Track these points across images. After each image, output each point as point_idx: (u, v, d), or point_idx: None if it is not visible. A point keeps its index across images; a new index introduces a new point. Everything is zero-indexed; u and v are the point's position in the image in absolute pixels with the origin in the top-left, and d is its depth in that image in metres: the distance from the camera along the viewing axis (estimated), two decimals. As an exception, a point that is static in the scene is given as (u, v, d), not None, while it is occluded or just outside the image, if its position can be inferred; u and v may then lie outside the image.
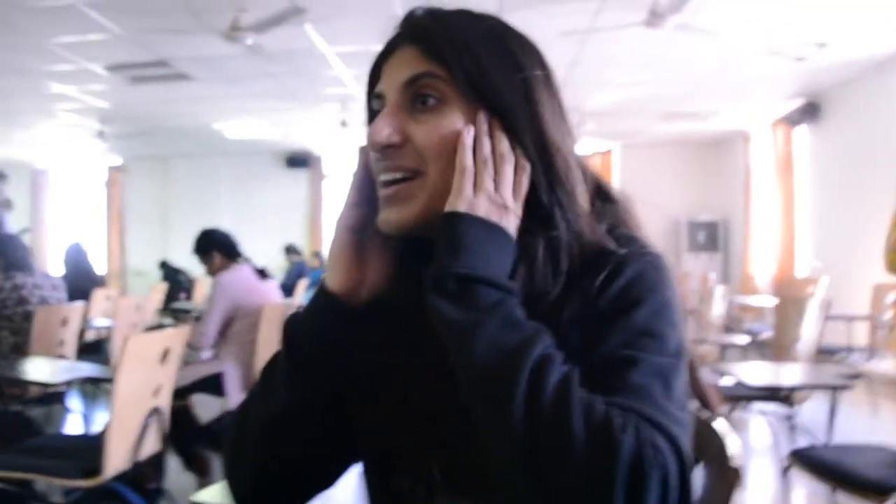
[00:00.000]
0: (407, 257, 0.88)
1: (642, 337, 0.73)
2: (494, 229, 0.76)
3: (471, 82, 0.80)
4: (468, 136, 0.79)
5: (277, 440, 0.88)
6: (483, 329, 0.70)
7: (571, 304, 0.77)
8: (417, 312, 0.82)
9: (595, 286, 0.77)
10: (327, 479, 0.95)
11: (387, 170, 0.82)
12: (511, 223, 0.78)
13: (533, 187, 0.81)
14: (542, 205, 0.80)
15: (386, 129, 0.80)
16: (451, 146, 0.79)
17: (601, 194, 0.88)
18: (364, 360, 0.89)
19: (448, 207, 0.78)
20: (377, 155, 0.82)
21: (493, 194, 0.78)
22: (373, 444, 0.90)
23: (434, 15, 0.84)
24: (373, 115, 0.86)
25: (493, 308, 0.71)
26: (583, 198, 0.83)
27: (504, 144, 0.80)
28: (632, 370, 0.70)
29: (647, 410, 0.67)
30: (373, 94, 0.87)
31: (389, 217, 0.82)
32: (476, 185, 0.78)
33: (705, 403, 0.92)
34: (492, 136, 0.80)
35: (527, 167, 0.80)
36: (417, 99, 0.81)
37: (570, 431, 0.64)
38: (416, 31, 0.83)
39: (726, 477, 0.84)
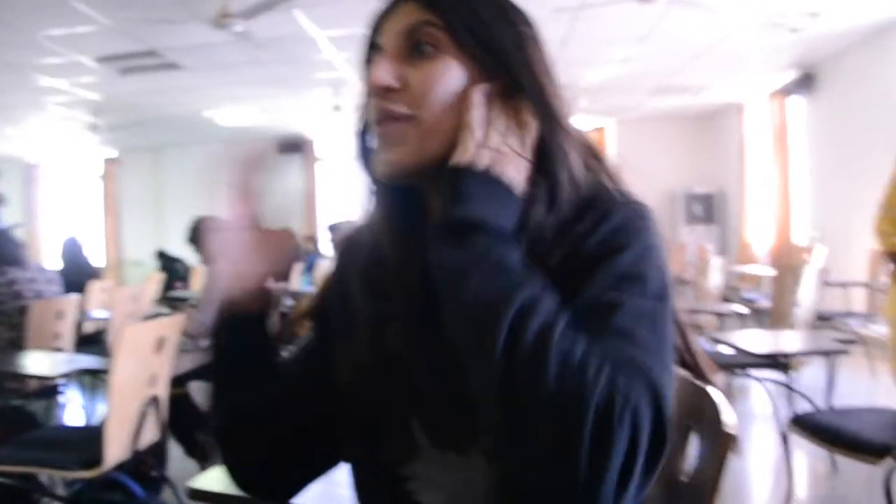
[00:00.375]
0: (394, 214, 0.91)
1: (625, 280, 0.74)
2: (495, 182, 0.78)
3: (468, 30, 0.83)
4: (478, 93, 0.82)
5: (234, 443, 0.94)
6: (473, 274, 0.72)
7: (561, 249, 0.79)
8: (404, 270, 0.87)
9: (581, 232, 0.78)
10: (317, 465, 0.98)
11: (382, 113, 0.84)
12: (519, 173, 0.80)
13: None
14: (543, 152, 0.82)
15: (385, 72, 0.83)
16: (446, 93, 0.82)
17: (591, 154, 0.90)
18: (336, 328, 0.93)
19: (452, 162, 0.79)
20: (375, 98, 0.84)
21: (499, 147, 0.80)
22: (350, 411, 0.92)
23: None
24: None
25: (485, 253, 0.73)
26: (577, 149, 0.85)
27: (512, 103, 0.82)
28: (615, 313, 0.72)
29: (627, 353, 0.68)
30: (372, 48, 0.89)
31: (385, 158, 0.84)
32: (480, 140, 0.80)
33: (699, 371, 0.92)
34: (501, 95, 0.83)
35: (533, 123, 0.82)
36: (415, 47, 0.84)
37: (544, 378, 0.65)
38: None
39: (720, 443, 0.83)
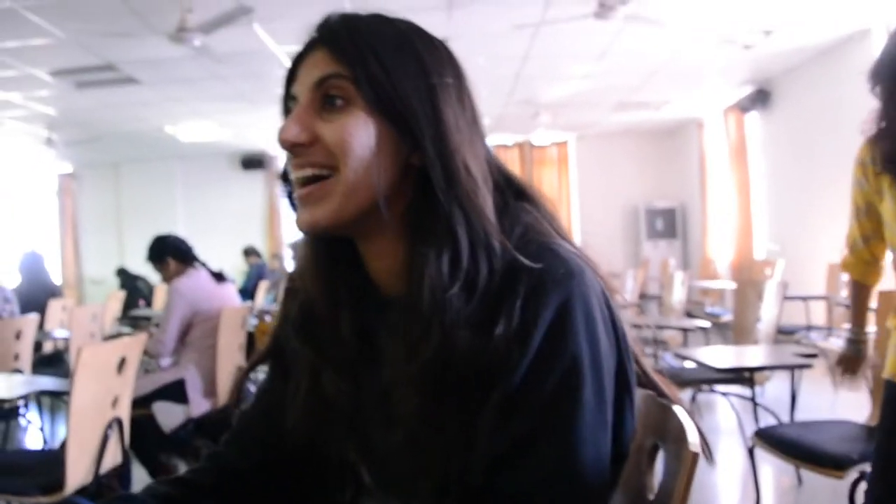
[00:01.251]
0: (321, 263, 0.90)
1: (553, 411, 0.74)
2: None
3: (372, 84, 0.81)
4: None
5: None
6: None
7: (498, 324, 0.75)
8: (334, 320, 0.88)
9: (516, 316, 0.74)
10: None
11: (299, 167, 0.83)
12: None
13: (431, 193, 0.80)
14: (439, 209, 0.80)
15: (294, 129, 0.82)
16: (361, 147, 0.81)
17: (516, 193, 0.89)
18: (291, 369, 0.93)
19: None
20: (289, 155, 0.84)
21: None
22: (302, 453, 0.93)
23: (346, 18, 0.86)
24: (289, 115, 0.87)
25: None
26: (488, 205, 0.82)
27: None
28: (534, 466, 0.74)
29: None
30: (289, 96, 0.88)
31: (303, 217, 0.83)
32: None
33: (660, 393, 0.91)
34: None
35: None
36: (326, 100, 0.83)
37: None
38: (328, 34, 0.85)
39: (685, 460, 0.84)
